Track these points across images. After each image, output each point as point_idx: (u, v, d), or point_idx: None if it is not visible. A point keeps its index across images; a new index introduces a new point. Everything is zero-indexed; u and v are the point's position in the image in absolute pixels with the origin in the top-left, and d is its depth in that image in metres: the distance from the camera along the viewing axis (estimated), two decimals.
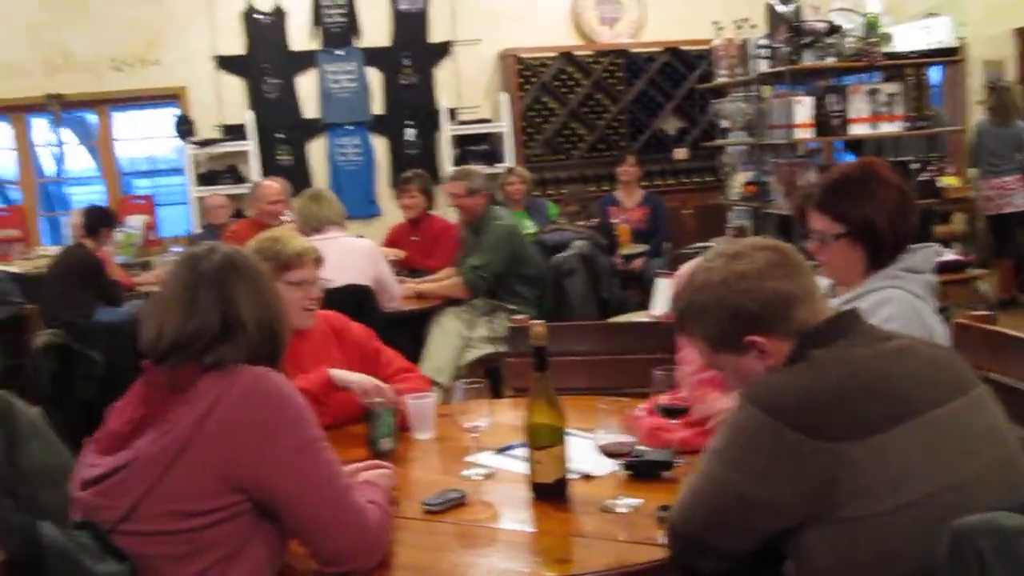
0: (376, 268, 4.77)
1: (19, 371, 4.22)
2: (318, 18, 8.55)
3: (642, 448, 2.31)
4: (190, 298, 1.94)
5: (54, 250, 7.79)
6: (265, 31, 8.46)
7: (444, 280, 5.37)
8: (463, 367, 5.06)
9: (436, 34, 8.71)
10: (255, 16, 8.44)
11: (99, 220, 6.38)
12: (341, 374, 2.78)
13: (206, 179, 8.26)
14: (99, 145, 8.72)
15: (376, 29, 8.64)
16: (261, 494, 1.83)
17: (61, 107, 8.26)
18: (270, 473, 1.81)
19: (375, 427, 2.60)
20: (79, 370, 4.04)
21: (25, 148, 8.58)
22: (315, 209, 4.85)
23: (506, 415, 2.68)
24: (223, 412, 1.81)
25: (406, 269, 5.68)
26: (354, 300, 4.05)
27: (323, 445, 1.89)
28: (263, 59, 8.45)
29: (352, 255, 4.58)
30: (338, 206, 5.00)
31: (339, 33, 8.59)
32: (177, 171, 8.99)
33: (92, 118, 8.84)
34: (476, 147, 8.54)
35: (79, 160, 9.82)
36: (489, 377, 4.70)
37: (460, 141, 8.60)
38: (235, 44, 8.43)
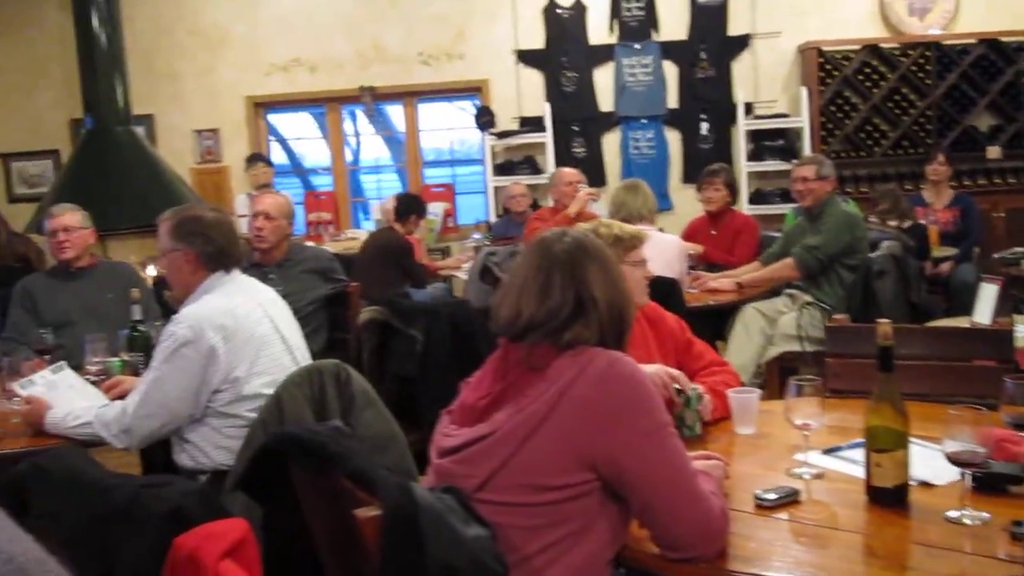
0: (681, 265, 4.80)
1: (343, 345, 4.50)
2: (616, 12, 8.63)
3: (989, 460, 2.19)
4: (545, 280, 2.01)
5: (361, 233, 8.31)
6: (565, 25, 8.64)
7: (754, 272, 5.32)
8: (763, 364, 4.98)
9: (735, 27, 8.58)
10: (556, 10, 8.63)
11: (410, 206, 6.74)
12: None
13: (503, 169, 8.54)
14: (406, 135, 9.18)
15: (674, 22, 8.62)
16: (611, 473, 1.87)
17: (373, 98, 8.77)
18: (622, 453, 1.86)
19: (689, 411, 2.64)
20: (399, 346, 4.27)
21: (338, 137, 9.18)
22: (629, 200, 4.91)
23: (833, 415, 2.61)
24: (579, 391, 1.87)
25: (704, 264, 5.64)
26: (662, 292, 4.06)
27: (672, 431, 1.92)
28: (562, 53, 8.63)
29: (661, 249, 4.61)
30: (652, 201, 5.06)
31: (637, 27, 8.63)
32: (475, 161, 9.34)
33: (391, 109, 9.34)
34: (772, 142, 8.37)
35: (373, 149, 10.38)
36: (784, 375, 4.60)
37: (755, 136, 8.45)
38: (535, 38, 8.66)
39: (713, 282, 5.26)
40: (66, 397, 3.30)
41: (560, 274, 2.01)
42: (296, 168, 10.10)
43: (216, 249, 3.23)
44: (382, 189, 9.76)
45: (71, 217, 4.50)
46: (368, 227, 8.75)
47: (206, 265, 3.23)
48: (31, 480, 2.03)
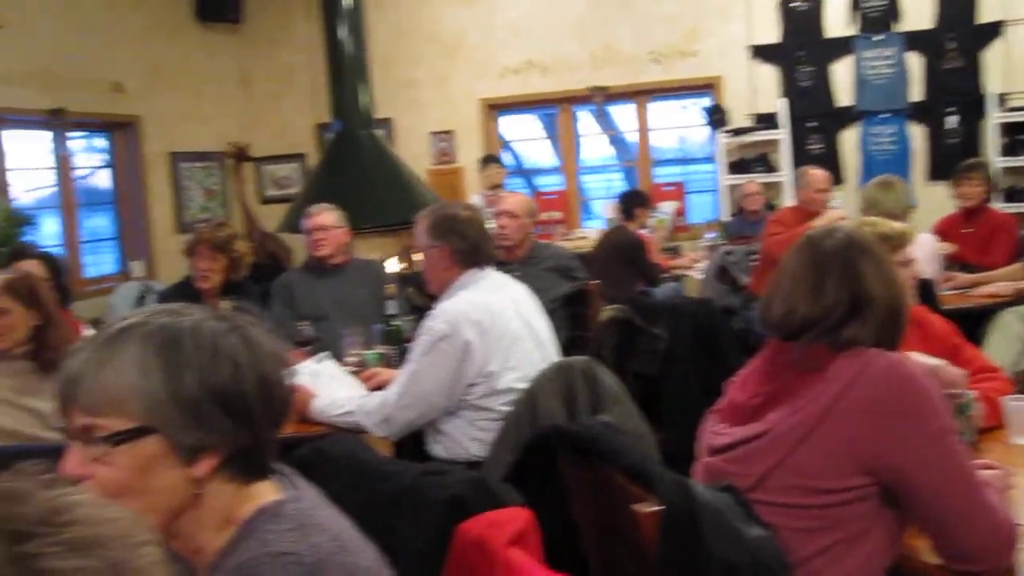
0: (934, 265, 4.58)
1: (582, 343, 4.54)
2: (856, 3, 8.32)
3: None
4: (817, 277, 1.96)
5: (590, 232, 8.36)
6: (801, 18, 8.40)
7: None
8: (1020, 372, 4.68)
9: (985, 13, 8.10)
10: (791, 4, 8.40)
11: (633, 201, 6.73)
12: (922, 357, 2.68)
13: (736, 167, 8.39)
14: (638, 134, 9.16)
15: (918, 11, 8.22)
16: (891, 477, 1.81)
17: (603, 99, 8.81)
18: (904, 456, 1.79)
19: (961, 418, 2.50)
20: (641, 345, 4.26)
21: (570, 137, 9.27)
22: (882, 197, 4.72)
23: None
24: (858, 393, 1.81)
25: (957, 264, 5.36)
26: (920, 292, 3.89)
27: (956, 437, 1.83)
28: (797, 47, 8.40)
29: (918, 248, 4.41)
30: (904, 199, 4.84)
31: (878, 17, 8.29)
32: (706, 159, 9.23)
33: (615, 109, 9.34)
34: None
35: (595, 149, 10.37)
36: None
37: (1009, 129, 7.94)
38: (770, 33, 8.46)
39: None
40: (329, 386, 3.47)
41: (833, 271, 1.96)
42: (519, 169, 10.27)
43: (470, 246, 3.32)
44: (611, 189, 9.78)
45: (328, 216, 4.73)
46: (593, 226, 8.80)
47: (461, 262, 3.32)
48: (314, 464, 2.14)
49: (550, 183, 9.72)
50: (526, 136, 10.26)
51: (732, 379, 2.10)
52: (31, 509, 0.59)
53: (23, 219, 5.81)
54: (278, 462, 1.39)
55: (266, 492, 1.34)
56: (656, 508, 1.71)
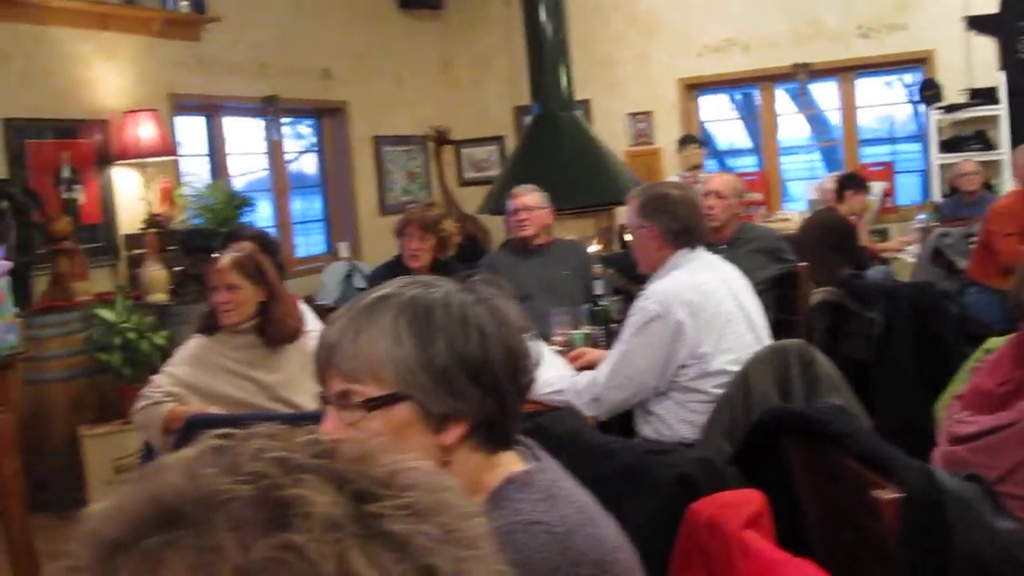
0: None
1: (790, 326, 4.42)
2: None
3: None
4: None
5: (792, 214, 8.13)
6: None
7: None
8: None
9: None
10: None
11: (848, 183, 6.50)
12: None
13: (949, 146, 7.98)
14: (843, 112, 8.84)
15: None
16: None
17: (807, 76, 8.54)
18: None
19: None
20: (854, 329, 4.13)
21: (771, 117, 9.03)
22: None
23: None
24: None
25: None
26: None
27: None
28: (1018, 16, 7.91)
29: None
30: None
31: None
32: (912, 138, 8.82)
33: (817, 87, 9.01)
34: None
35: (791, 128, 10.04)
36: None
37: None
38: (988, 2, 7.99)
39: None
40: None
41: None
42: (713, 150, 10.06)
43: (681, 226, 3.28)
44: (811, 170, 9.47)
45: (532, 197, 4.77)
46: (794, 208, 8.56)
47: (672, 242, 3.28)
48: (538, 440, 2.16)
49: (744, 164, 9.50)
50: (720, 116, 10.05)
51: (978, 365, 2.00)
52: (376, 471, 0.60)
53: (242, 201, 6.11)
54: (521, 433, 1.41)
55: (511, 462, 1.36)
56: (897, 496, 1.64)
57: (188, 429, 2.92)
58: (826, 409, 1.92)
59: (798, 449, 2.01)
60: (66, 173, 5.84)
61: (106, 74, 6.18)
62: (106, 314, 5.15)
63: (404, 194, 8.91)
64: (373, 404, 1.29)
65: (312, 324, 4.19)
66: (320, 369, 1.34)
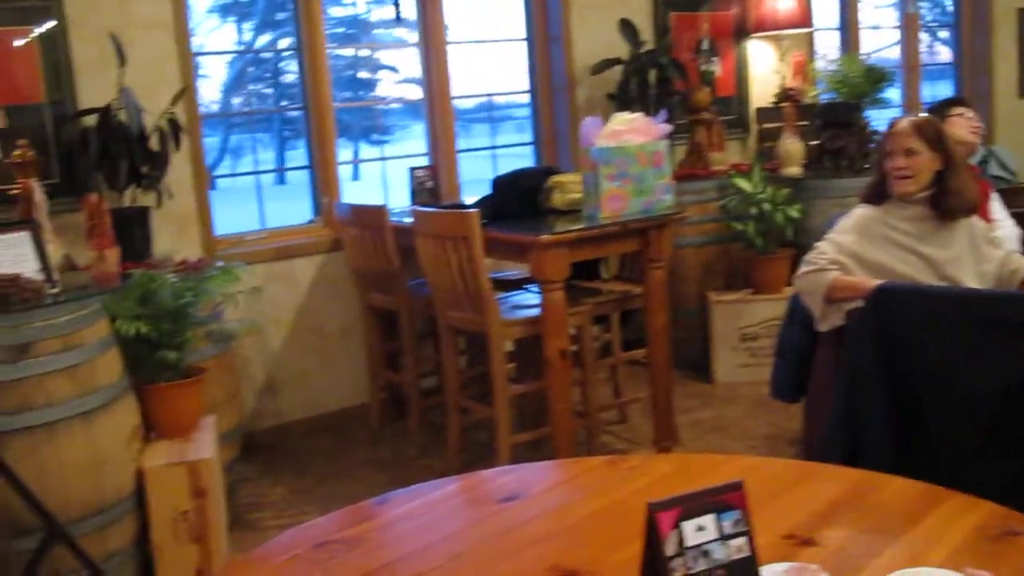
0: None
1: None
2: None
3: None
4: None
5: None
6: None
7: None
8: None
9: None
10: None
11: None
12: None
13: None
14: None
15: None
16: None
17: None
18: None
19: None
20: None
21: None
22: None
23: None
24: None
25: None
26: None
27: None
28: None
29: None
30: None
31: None
32: None
33: None
34: None
35: None
36: None
37: None
38: None
39: None
40: None
41: None
42: None
43: None
44: None
45: None
46: None
47: None
48: None
49: None
50: None
51: None
52: None
53: (881, 75, 5.74)
54: None
55: None
56: None
57: (879, 296, 2.78)
58: None
59: None
60: (705, 45, 5.90)
61: None
62: (743, 184, 5.18)
63: None
64: None
65: (999, 213, 3.86)
66: None
